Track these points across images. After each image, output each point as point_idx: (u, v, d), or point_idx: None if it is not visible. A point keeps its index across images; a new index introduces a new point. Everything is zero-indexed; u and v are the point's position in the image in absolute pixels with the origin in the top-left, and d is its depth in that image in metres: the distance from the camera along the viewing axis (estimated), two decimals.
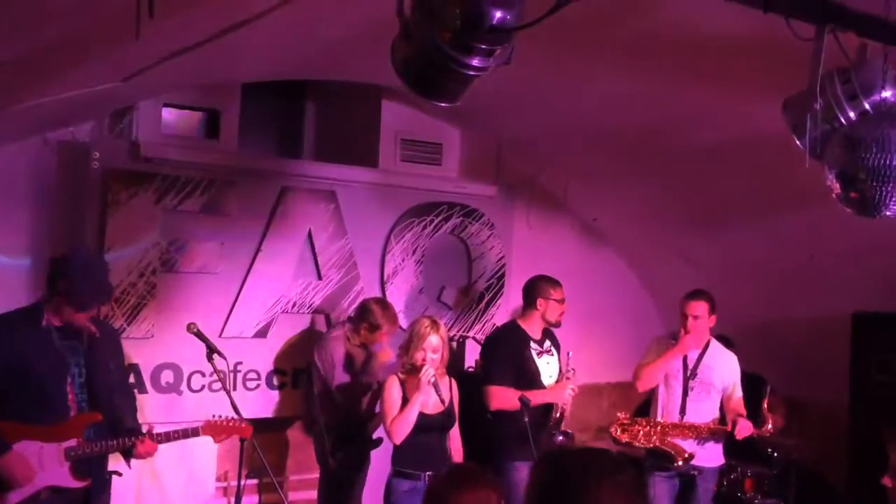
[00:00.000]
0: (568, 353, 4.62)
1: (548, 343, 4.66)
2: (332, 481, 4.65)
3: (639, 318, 6.30)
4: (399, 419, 3.85)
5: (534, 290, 4.65)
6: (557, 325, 4.69)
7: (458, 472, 2.73)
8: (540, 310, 4.59)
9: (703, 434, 4.47)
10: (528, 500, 1.88)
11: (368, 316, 4.71)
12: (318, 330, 5.18)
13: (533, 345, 4.58)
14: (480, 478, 2.44)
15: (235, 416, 3.73)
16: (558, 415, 4.49)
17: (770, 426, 4.46)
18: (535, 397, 4.37)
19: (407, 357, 3.98)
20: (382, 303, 4.86)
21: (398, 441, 3.88)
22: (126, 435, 3.58)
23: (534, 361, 4.54)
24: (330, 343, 4.73)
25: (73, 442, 3.47)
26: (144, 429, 3.70)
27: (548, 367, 4.59)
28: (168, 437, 3.65)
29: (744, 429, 4.38)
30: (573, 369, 4.57)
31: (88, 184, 4.54)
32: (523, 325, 4.64)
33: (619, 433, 4.50)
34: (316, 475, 4.81)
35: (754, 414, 4.47)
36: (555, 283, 4.65)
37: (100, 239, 4.54)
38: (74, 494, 3.52)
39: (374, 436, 4.72)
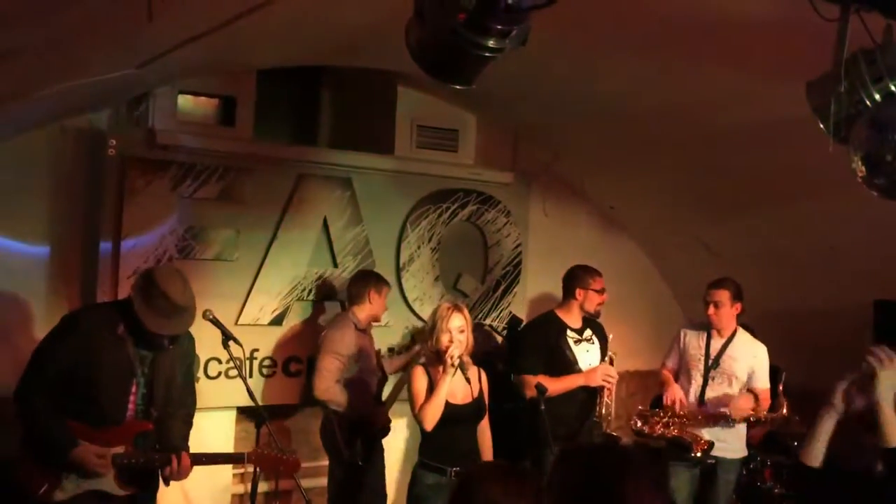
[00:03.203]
0: (608, 336, 4.60)
1: (588, 332, 4.67)
2: (343, 469, 4.64)
3: (657, 305, 6.26)
4: (428, 404, 3.75)
5: (573, 280, 4.67)
6: (597, 315, 4.69)
7: (496, 464, 2.58)
8: (579, 300, 4.62)
9: (715, 422, 4.41)
10: (557, 499, 1.80)
11: (369, 279, 4.77)
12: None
13: (571, 333, 4.60)
14: (522, 472, 2.19)
15: (283, 450, 3.64)
16: (602, 410, 4.40)
17: (785, 411, 4.41)
18: (565, 382, 4.35)
19: (432, 342, 3.84)
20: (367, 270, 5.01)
21: (429, 427, 3.77)
22: (170, 451, 3.52)
23: (570, 349, 4.55)
24: (336, 330, 4.70)
25: (121, 449, 3.45)
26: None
27: (587, 355, 4.60)
28: (199, 459, 3.55)
29: (741, 407, 4.32)
30: (612, 354, 4.55)
31: (105, 171, 4.55)
32: (561, 314, 4.66)
33: (639, 425, 4.47)
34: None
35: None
36: (594, 273, 4.66)
37: (117, 226, 4.56)
38: (118, 501, 3.49)
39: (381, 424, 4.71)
